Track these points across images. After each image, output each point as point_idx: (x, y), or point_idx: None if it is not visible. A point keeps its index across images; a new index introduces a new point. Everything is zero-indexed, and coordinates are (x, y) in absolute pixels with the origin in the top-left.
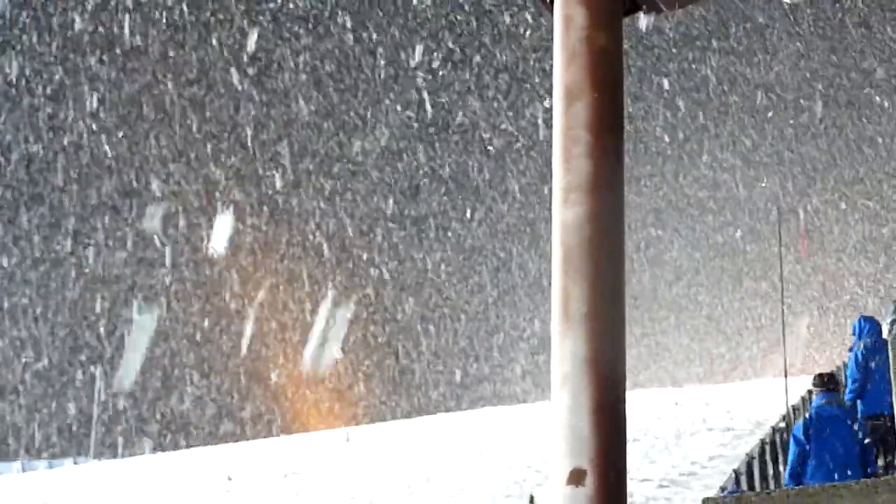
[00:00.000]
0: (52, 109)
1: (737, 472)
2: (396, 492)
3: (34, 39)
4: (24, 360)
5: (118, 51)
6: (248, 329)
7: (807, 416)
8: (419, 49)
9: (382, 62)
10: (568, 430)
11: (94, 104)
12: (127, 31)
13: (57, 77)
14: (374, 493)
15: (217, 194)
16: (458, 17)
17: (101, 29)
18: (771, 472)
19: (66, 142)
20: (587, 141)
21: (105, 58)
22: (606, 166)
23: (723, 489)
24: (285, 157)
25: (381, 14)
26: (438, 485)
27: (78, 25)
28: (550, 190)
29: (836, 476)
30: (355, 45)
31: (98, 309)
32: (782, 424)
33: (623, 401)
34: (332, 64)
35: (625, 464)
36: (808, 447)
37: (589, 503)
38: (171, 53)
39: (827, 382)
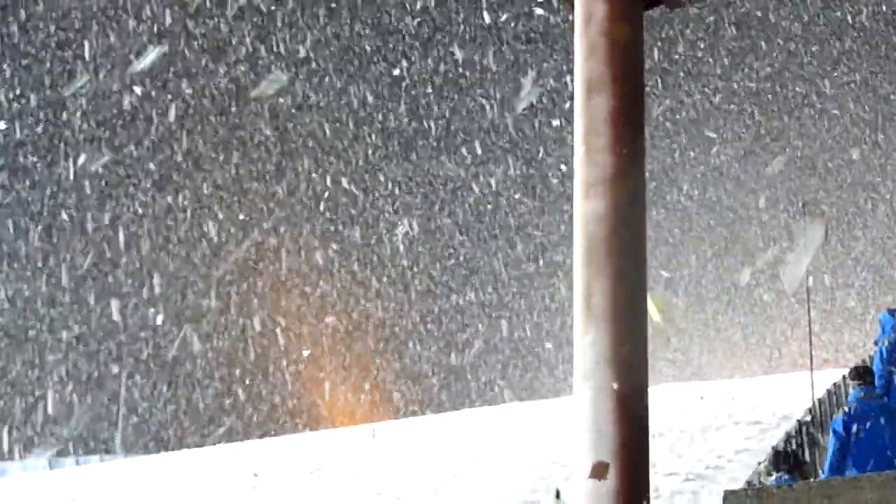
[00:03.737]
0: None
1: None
2: (422, 487)
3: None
4: (50, 357)
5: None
6: (274, 325)
7: (846, 409)
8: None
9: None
10: (590, 425)
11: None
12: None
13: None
14: (401, 489)
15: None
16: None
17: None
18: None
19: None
20: (608, 134)
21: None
22: (628, 160)
23: (749, 483)
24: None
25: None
26: (464, 480)
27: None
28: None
29: (877, 470)
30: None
31: (122, 306)
32: (808, 418)
33: (645, 394)
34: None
35: (647, 457)
36: (848, 441)
37: (612, 497)
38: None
39: (864, 375)
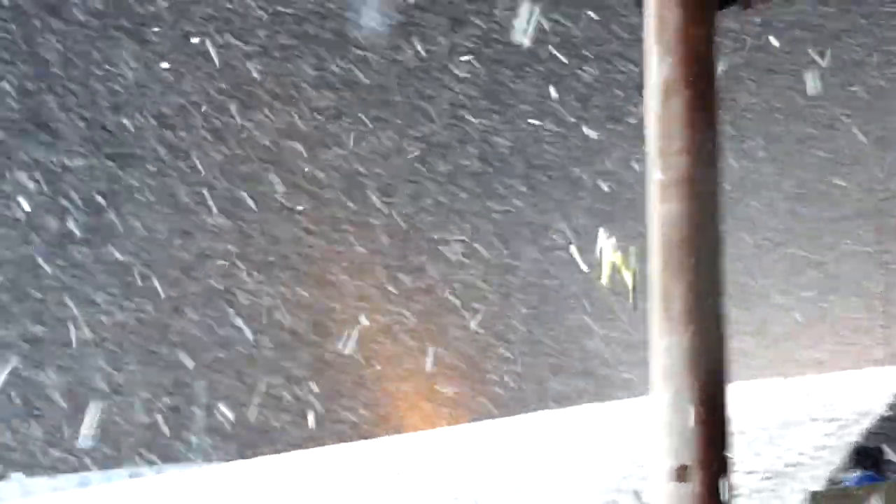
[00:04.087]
0: None
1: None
2: (501, 490)
3: None
4: (126, 362)
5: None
6: (343, 326)
7: None
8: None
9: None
10: (670, 428)
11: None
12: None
13: None
14: (479, 493)
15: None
16: None
17: None
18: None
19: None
20: (683, 136)
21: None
22: (704, 161)
23: (830, 481)
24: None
25: None
26: (544, 482)
27: None
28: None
29: None
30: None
31: (199, 307)
32: (889, 413)
33: (726, 397)
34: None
35: (729, 459)
36: None
37: (693, 500)
38: None
39: None
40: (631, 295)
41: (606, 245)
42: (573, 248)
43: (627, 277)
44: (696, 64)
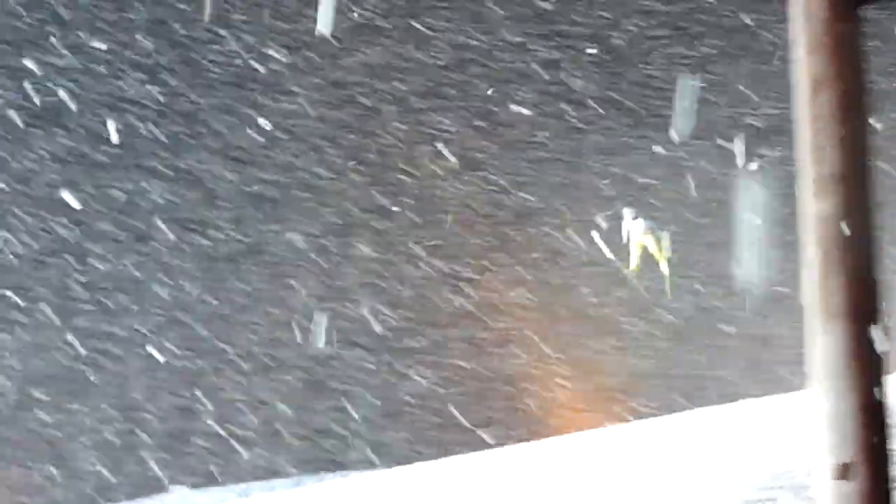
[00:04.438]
0: None
1: None
2: (661, 484)
3: None
4: (285, 378)
5: None
6: (511, 333)
7: None
8: None
9: None
10: (832, 426)
11: None
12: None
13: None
14: (639, 488)
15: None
16: None
17: None
18: None
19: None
20: (835, 131)
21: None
22: (857, 156)
23: None
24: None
25: None
26: (703, 477)
27: None
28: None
29: None
30: None
31: (351, 328)
32: None
33: (886, 391)
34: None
35: (891, 455)
36: None
37: (857, 497)
38: None
39: None
40: (666, 283)
41: (634, 227)
42: (595, 235)
43: (663, 266)
44: (843, 59)
